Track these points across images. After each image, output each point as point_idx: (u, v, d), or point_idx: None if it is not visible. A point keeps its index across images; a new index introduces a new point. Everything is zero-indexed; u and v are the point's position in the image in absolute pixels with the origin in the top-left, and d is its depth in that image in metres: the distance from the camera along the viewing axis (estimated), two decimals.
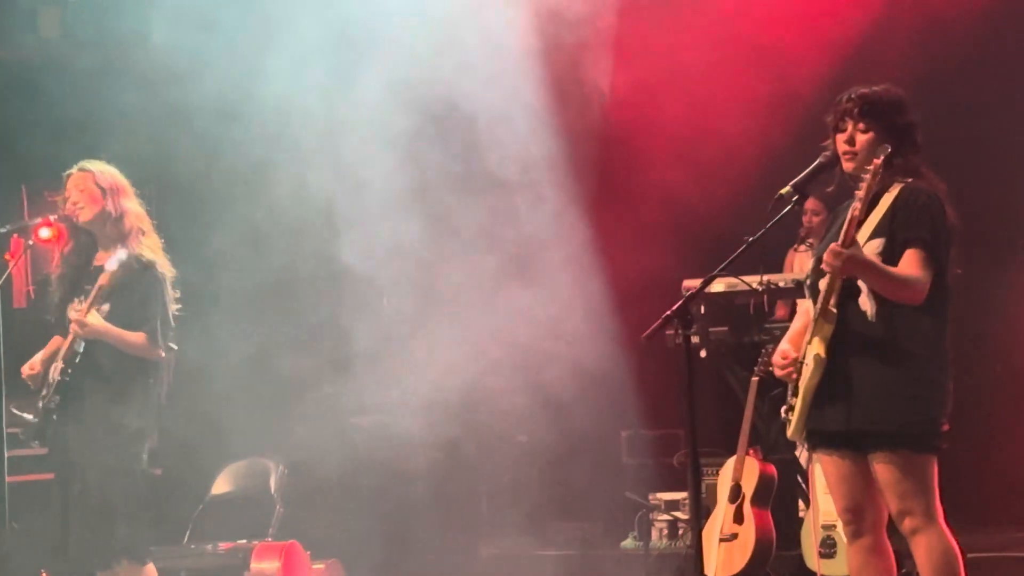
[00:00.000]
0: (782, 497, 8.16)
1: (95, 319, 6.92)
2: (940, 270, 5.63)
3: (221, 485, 9.34)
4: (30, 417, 7.10)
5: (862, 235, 5.64)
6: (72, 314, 6.98)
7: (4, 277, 8.01)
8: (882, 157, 5.56)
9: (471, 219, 8.83)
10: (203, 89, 8.66)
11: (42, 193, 8.87)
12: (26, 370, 7.14)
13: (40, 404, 7.07)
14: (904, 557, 5.99)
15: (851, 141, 5.76)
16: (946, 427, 5.68)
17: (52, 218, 7.74)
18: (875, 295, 5.62)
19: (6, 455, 9.43)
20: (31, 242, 8.36)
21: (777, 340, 6.32)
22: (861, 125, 5.75)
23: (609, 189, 9.66)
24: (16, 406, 7.22)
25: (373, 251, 8.88)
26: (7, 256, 8.42)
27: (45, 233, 8.26)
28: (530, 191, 8.95)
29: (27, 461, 9.14)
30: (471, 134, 8.75)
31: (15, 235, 8.40)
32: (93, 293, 6.90)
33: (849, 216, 5.56)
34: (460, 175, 8.84)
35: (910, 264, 5.60)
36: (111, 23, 9.01)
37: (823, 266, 5.58)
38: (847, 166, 5.78)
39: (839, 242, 5.52)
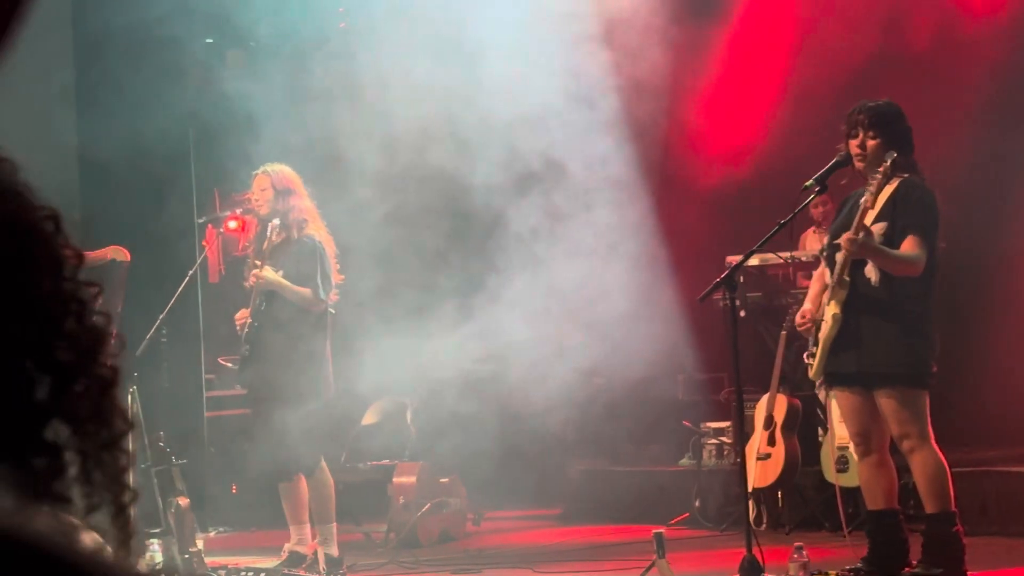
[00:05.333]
0: (805, 425, 8.16)
1: (269, 273, 6.94)
2: (931, 248, 5.65)
3: (369, 417, 9.38)
4: (231, 365, 7.17)
5: (869, 219, 5.67)
6: (252, 271, 7.04)
7: (201, 259, 8.14)
8: (889, 161, 5.58)
9: (568, 209, 8.78)
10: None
11: (230, 195, 8.97)
12: (238, 318, 7.16)
13: (240, 355, 7.17)
14: (903, 471, 5.99)
15: (862, 146, 5.78)
16: (935, 368, 5.70)
17: (238, 212, 7.84)
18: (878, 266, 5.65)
19: (205, 395, 9.64)
20: (221, 231, 8.50)
21: (800, 303, 6.33)
22: (870, 133, 5.77)
23: (669, 183, 9.63)
24: (222, 358, 7.31)
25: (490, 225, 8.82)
26: (204, 242, 8.54)
27: (232, 224, 8.38)
28: (610, 185, 8.89)
29: (224, 400, 9.29)
30: (556, 134, 8.59)
31: (209, 225, 8.53)
32: (265, 255, 6.95)
33: (862, 207, 5.57)
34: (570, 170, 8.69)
35: (910, 246, 5.62)
36: (282, 63, 9.09)
37: (842, 247, 5.59)
38: (858, 165, 5.80)
39: (853, 230, 5.54)
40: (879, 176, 5.57)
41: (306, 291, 6.98)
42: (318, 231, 7.12)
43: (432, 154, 8.51)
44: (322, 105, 8.78)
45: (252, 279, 7.00)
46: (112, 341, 0.97)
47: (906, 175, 5.71)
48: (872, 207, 5.62)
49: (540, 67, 8.36)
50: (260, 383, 7.02)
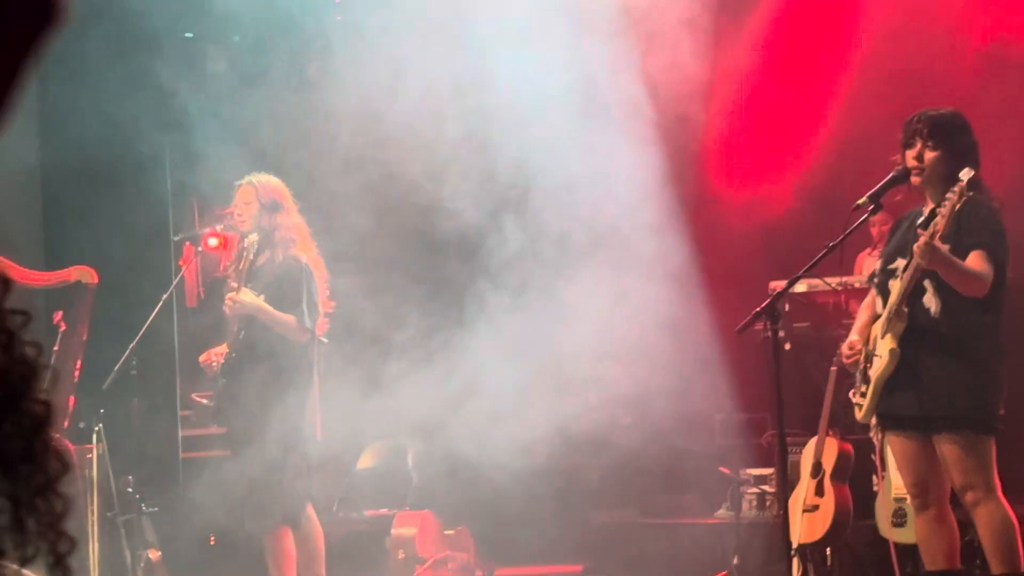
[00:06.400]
0: (858, 473, 8.14)
1: (247, 296, 6.89)
2: (1000, 272, 5.65)
3: (365, 460, 9.40)
4: (206, 402, 7.18)
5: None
6: (228, 295, 6.99)
7: (177, 281, 8.18)
8: (966, 181, 5.53)
9: (592, 229, 8.81)
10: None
11: (211, 208, 9.02)
12: (203, 358, 7.21)
13: (216, 390, 7.16)
14: (967, 527, 5.99)
15: (920, 158, 5.76)
16: (1002, 411, 5.71)
17: (219, 228, 7.86)
18: (938, 294, 5.64)
19: (180, 434, 9.67)
20: (200, 249, 8.53)
21: None
22: (930, 143, 5.75)
23: (705, 203, 9.66)
24: (195, 392, 7.34)
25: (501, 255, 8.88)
26: (180, 262, 8.59)
27: (213, 242, 8.41)
28: (641, 208, 8.93)
29: (199, 440, 9.32)
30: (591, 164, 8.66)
31: (187, 243, 8.57)
32: (243, 276, 6.91)
33: (932, 228, 5.53)
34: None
35: (976, 262, 5.61)
36: (266, 59, 9.16)
37: (914, 254, 5.55)
38: (915, 179, 5.79)
39: (927, 235, 5.49)
40: (952, 197, 5.46)
41: (290, 318, 6.94)
42: (307, 252, 7.10)
43: (448, 168, 8.60)
44: (317, 107, 8.85)
45: (229, 303, 6.99)
46: (44, 374, 0.96)
47: (971, 194, 5.70)
48: (942, 230, 5.55)
49: (554, 71, 8.40)
50: (239, 421, 7.00)
